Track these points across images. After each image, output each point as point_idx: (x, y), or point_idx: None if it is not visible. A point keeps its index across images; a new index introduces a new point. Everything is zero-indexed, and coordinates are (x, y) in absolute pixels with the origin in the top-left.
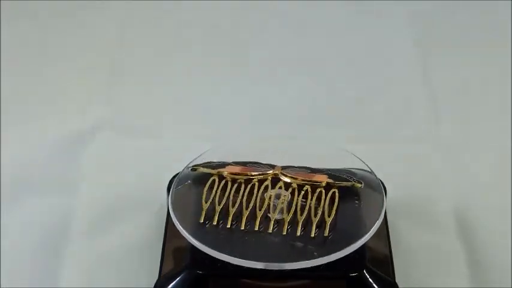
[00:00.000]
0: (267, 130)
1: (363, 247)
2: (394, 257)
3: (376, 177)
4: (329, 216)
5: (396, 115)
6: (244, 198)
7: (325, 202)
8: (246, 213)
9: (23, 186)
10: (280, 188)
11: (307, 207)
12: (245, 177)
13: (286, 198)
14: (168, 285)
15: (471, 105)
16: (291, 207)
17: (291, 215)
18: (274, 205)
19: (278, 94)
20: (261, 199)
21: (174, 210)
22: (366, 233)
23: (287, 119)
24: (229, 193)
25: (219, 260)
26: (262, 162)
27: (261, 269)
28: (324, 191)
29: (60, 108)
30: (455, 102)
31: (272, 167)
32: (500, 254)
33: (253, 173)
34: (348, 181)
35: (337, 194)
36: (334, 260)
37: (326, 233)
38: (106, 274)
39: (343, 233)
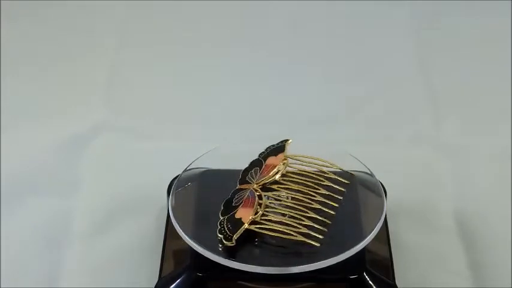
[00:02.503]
0: (267, 131)
1: (363, 249)
2: (394, 259)
3: (376, 179)
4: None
5: (396, 116)
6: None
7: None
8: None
9: (23, 187)
10: (278, 187)
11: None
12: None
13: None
14: (169, 286)
15: (471, 105)
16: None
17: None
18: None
19: (278, 95)
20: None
21: (174, 212)
22: (367, 236)
23: (287, 120)
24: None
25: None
26: (232, 190)
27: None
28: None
29: (61, 109)
30: (455, 102)
31: (240, 189)
32: (500, 254)
33: (250, 202)
34: (281, 143)
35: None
36: (334, 263)
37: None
38: (106, 275)
39: (344, 236)
